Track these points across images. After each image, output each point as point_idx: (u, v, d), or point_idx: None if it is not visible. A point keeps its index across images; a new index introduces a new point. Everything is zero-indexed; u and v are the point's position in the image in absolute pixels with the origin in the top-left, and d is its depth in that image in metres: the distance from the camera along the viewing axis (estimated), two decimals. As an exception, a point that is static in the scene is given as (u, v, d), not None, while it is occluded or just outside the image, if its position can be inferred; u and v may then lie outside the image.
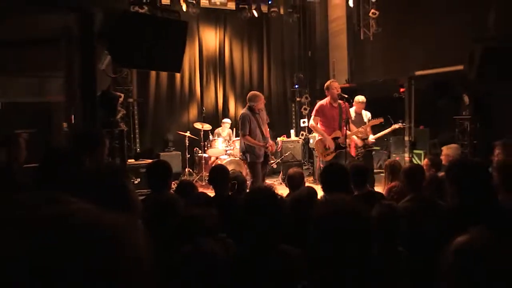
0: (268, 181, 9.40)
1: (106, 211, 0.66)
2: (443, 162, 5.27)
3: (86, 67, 3.67)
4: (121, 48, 4.19)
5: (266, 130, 6.63)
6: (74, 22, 3.67)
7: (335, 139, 6.49)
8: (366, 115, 7.27)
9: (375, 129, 7.49)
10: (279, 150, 10.01)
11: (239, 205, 2.16)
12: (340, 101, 6.48)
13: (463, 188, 3.07)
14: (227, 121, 9.59)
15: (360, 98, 7.21)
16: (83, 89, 3.67)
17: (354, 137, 6.96)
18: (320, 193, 3.78)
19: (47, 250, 0.57)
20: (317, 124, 6.53)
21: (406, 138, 8.96)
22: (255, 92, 6.65)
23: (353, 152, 7.08)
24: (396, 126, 7.53)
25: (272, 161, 10.01)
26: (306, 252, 2.27)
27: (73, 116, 3.81)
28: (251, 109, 6.38)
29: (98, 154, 2.84)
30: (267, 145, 6.44)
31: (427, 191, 4.10)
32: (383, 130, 7.56)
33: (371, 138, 7.22)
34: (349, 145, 7.19)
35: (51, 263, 0.57)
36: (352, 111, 7.12)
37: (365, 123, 7.15)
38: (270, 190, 2.14)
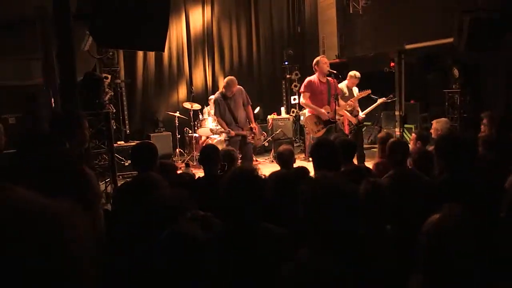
0: (260, 159, 9.43)
1: (47, 198, 0.68)
2: (433, 136, 5.27)
3: (63, 48, 3.57)
4: (102, 28, 4.07)
5: (247, 112, 6.70)
6: (50, 1, 3.56)
7: (324, 114, 6.48)
8: (355, 91, 7.23)
9: (360, 105, 7.48)
10: (269, 128, 9.98)
11: (220, 185, 2.12)
12: (328, 78, 6.45)
13: (451, 162, 3.07)
14: (213, 98, 9.43)
15: (355, 73, 7.14)
16: (61, 71, 3.58)
17: (348, 114, 6.96)
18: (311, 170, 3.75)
19: None
20: (307, 99, 6.49)
21: (397, 113, 8.92)
22: (229, 77, 6.71)
23: (346, 129, 7.09)
24: (380, 100, 7.56)
25: (263, 139, 10.00)
26: (290, 231, 2.26)
27: (52, 99, 3.73)
28: (222, 93, 6.63)
29: (78, 137, 2.78)
30: (245, 130, 6.55)
31: (415, 164, 4.09)
32: (370, 106, 7.58)
33: (361, 114, 7.26)
34: (342, 122, 7.18)
35: None
36: (343, 85, 7.08)
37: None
38: (251, 170, 2.11)
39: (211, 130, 8.62)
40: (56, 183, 1.21)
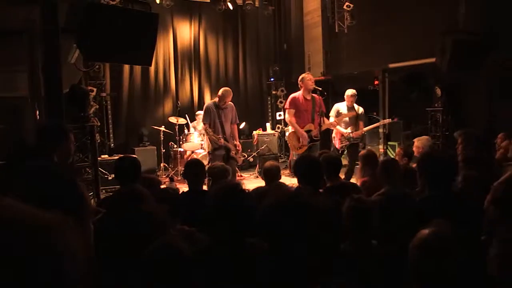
0: (245, 175, 9.42)
1: (37, 209, 0.68)
2: (415, 154, 5.34)
3: (49, 61, 3.56)
4: (90, 41, 4.08)
5: (232, 129, 6.70)
6: (38, 14, 3.55)
7: (307, 131, 6.52)
8: (359, 109, 7.27)
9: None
10: (255, 143, 10.01)
11: (207, 199, 2.13)
12: (313, 95, 6.52)
13: (432, 180, 3.12)
14: (201, 113, 9.45)
15: (349, 91, 7.21)
16: (47, 84, 3.56)
17: (340, 128, 7.02)
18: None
19: None
20: (292, 116, 6.54)
21: (381, 130, 9.04)
22: (225, 88, 6.67)
23: (337, 144, 7.14)
24: (386, 121, 7.70)
25: (248, 155, 10.01)
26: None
27: (37, 111, 3.70)
28: (215, 103, 6.59)
29: (64, 150, 2.76)
30: (230, 144, 6.52)
31: (400, 181, 4.14)
32: (371, 124, 7.70)
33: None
34: (334, 137, 7.25)
35: None
36: (343, 105, 7.15)
37: (359, 116, 7.21)
38: (237, 185, 2.12)
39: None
40: (48, 196, 1.21)
